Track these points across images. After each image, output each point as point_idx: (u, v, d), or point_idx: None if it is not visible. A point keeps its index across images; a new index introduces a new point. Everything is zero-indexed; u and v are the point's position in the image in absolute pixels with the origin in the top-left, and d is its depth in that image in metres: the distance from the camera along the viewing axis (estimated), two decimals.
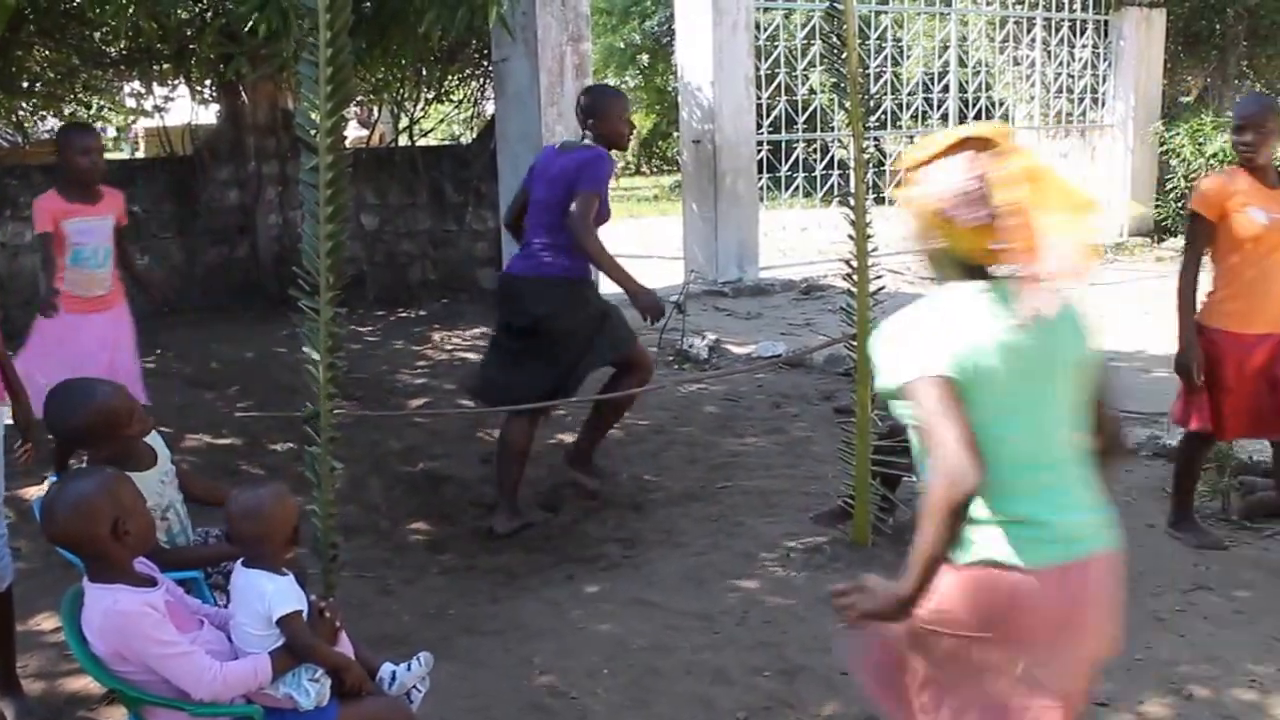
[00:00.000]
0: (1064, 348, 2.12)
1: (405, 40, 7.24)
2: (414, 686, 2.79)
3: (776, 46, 10.24)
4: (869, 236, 4.29)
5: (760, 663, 3.51)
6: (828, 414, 6.23)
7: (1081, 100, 12.43)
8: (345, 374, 4.61)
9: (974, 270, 2.10)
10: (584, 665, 3.57)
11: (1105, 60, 12.42)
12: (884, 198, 11.40)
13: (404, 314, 9.24)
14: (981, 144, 2.09)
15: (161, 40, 8.50)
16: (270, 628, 2.54)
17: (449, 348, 8.04)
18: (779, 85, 10.30)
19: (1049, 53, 12.23)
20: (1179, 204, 12.08)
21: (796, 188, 10.98)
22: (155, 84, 10.00)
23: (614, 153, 4.82)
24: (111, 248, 4.98)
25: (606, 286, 5.00)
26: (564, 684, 3.47)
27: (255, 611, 2.55)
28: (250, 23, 5.71)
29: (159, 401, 6.42)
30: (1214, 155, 11.21)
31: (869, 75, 10.88)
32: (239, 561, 2.65)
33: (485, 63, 9.97)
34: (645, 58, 21.81)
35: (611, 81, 19.36)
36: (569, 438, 5.78)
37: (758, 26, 10.11)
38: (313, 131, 3.07)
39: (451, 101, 11.42)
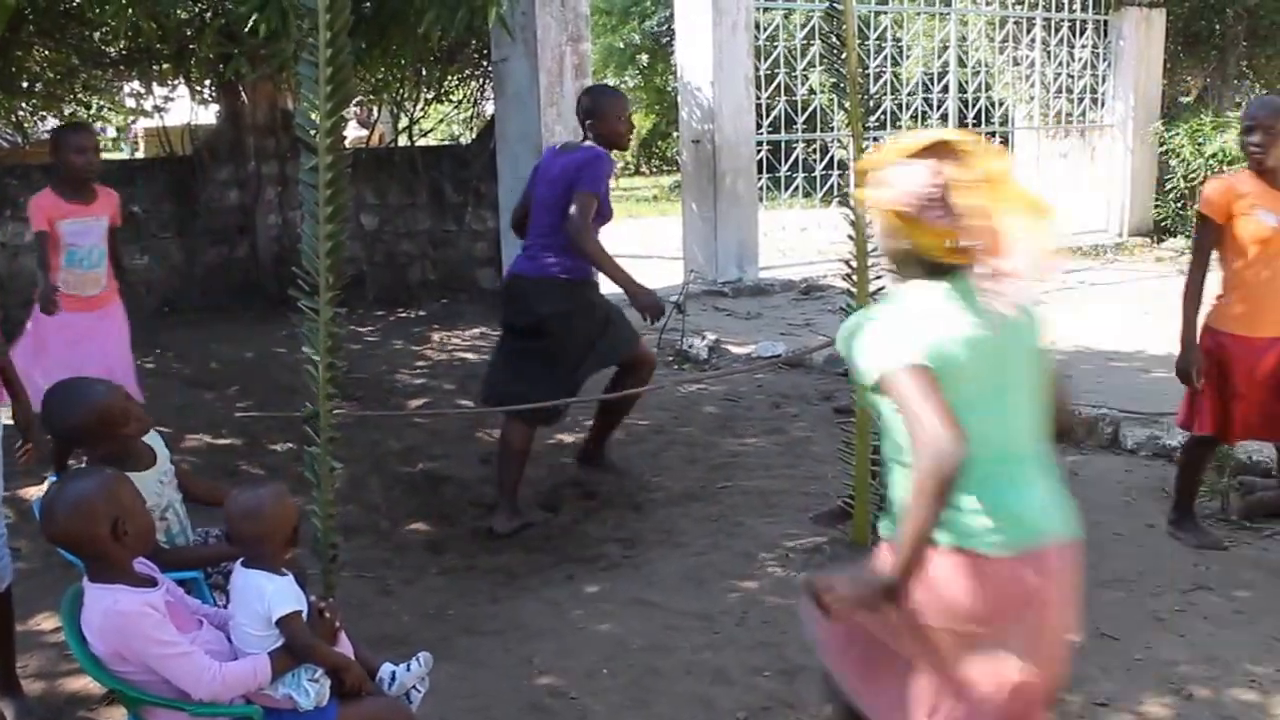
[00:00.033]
0: (1024, 344, 2.23)
1: (405, 40, 7.24)
2: (413, 687, 2.79)
3: (776, 46, 10.24)
4: (869, 237, 4.29)
5: (760, 663, 3.51)
6: (827, 414, 6.23)
7: (1081, 100, 12.44)
8: (345, 374, 4.60)
9: (935, 269, 2.18)
10: (584, 665, 3.57)
11: (1105, 60, 12.42)
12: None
13: (403, 314, 9.24)
14: (943, 148, 2.17)
15: (161, 40, 8.50)
16: (270, 628, 2.53)
17: (448, 348, 8.04)
18: (779, 85, 10.30)
19: (1048, 53, 12.24)
20: (1178, 204, 12.09)
21: (796, 188, 10.98)
22: (155, 84, 10.01)
23: (615, 152, 4.83)
24: (106, 248, 4.99)
25: (607, 286, 5.00)
26: (564, 684, 3.47)
27: (255, 612, 2.55)
28: (250, 23, 5.71)
29: (159, 402, 6.43)
30: (1213, 155, 11.22)
31: (868, 75, 10.88)
32: (238, 562, 2.65)
33: (485, 63, 9.97)
34: (645, 58, 21.82)
35: (611, 81, 19.37)
36: (568, 438, 5.79)
37: (757, 26, 10.11)
38: (312, 131, 3.07)
39: (451, 102, 11.42)
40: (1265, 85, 12.44)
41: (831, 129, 11.97)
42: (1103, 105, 12.53)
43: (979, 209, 2.09)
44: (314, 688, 2.56)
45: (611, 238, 4.82)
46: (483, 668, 3.57)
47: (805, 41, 10.33)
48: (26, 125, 10.49)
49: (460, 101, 11.34)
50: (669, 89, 18.69)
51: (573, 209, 4.46)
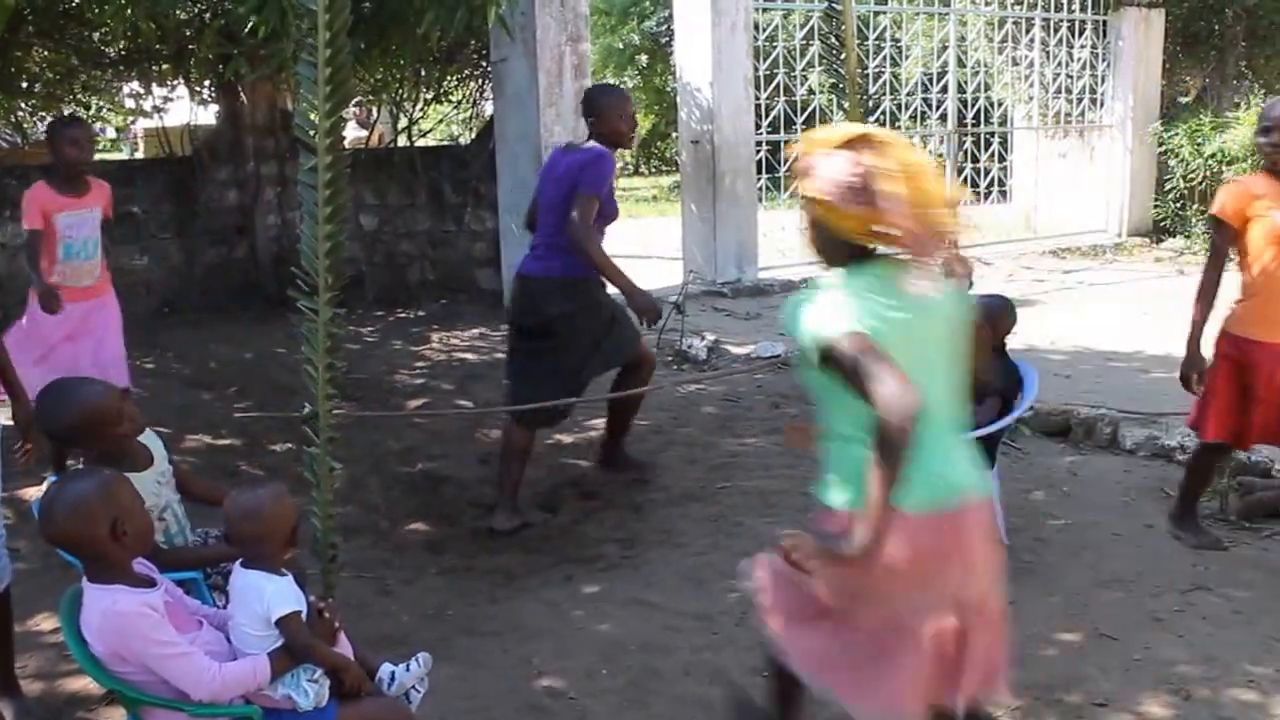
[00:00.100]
0: (941, 320, 2.42)
1: (404, 41, 7.25)
2: (413, 687, 2.79)
3: (775, 47, 10.24)
4: None
5: (760, 663, 3.50)
6: None
7: (1080, 100, 12.44)
8: (344, 374, 4.61)
9: (858, 254, 2.38)
10: (583, 666, 3.58)
11: (1104, 60, 12.42)
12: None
13: (403, 314, 9.25)
14: (863, 140, 2.34)
15: (160, 41, 8.50)
16: (269, 628, 2.54)
17: (448, 348, 8.04)
18: (778, 85, 10.30)
19: (1048, 53, 12.23)
20: (1178, 204, 12.09)
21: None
22: (154, 84, 10.01)
23: (619, 151, 4.84)
24: (99, 238, 5.11)
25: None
26: (563, 685, 3.47)
27: (254, 612, 2.55)
28: (249, 23, 5.71)
29: (158, 402, 6.44)
30: (1212, 155, 11.22)
31: (867, 75, 10.88)
32: (238, 562, 2.65)
33: (484, 63, 9.98)
34: (644, 58, 21.83)
35: (610, 82, 19.35)
36: (568, 438, 5.79)
37: (756, 27, 10.10)
38: (311, 132, 3.07)
39: (450, 102, 11.42)
40: (1264, 85, 12.43)
41: None
42: (1102, 105, 12.53)
43: (896, 197, 2.25)
44: (313, 688, 2.56)
45: (611, 238, 4.83)
46: (482, 668, 3.57)
47: (804, 42, 10.33)
48: (26, 126, 10.49)
49: (459, 102, 11.34)
50: (668, 89, 18.70)
51: (573, 211, 4.49)
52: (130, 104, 10.83)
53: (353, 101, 10.17)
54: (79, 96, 9.97)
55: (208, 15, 8.01)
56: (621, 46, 21.61)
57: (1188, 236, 11.90)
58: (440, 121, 12.88)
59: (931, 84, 11.73)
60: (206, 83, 9.60)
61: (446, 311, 9.28)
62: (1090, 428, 5.72)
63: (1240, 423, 4.24)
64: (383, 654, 2.88)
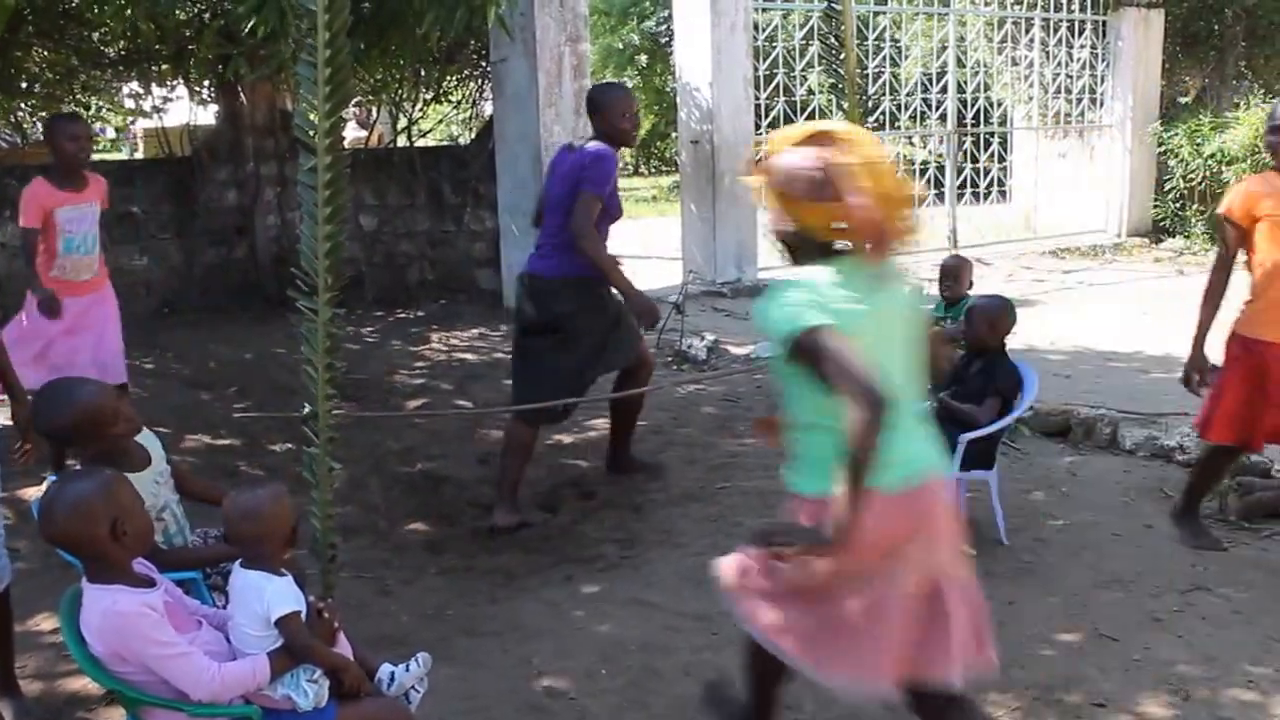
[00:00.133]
0: (901, 311, 2.51)
1: (404, 41, 7.25)
2: (412, 687, 2.79)
3: (775, 47, 10.24)
4: None
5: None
6: None
7: (1080, 101, 12.44)
8: (344, 375, 4.61)
9: (821, 248, 2.43)
10: (583, 666, 3.58)
11: (1103, 61, 12.42)
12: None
13: (402, 314, 9.25)
14: (825, 136, 2.40)
15: (160, 41, 8.51)
16: (269, 628, 2.54)
17: (447, 348, 8.04)
18: (777, 86, 10.30)
19: (1047, 53, 12.24)
20: (1177, 204, 12.09)
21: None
22: (154, 85, 10.02)
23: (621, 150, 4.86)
24: (97, 233, 5.17)
25: None
26: (562, 685, 3.47)
27: (254, 612, 2.55)
28: (248, 23, 5.71)
29: (158, 402, 6.44)
30: (1212, 155, 11.22)
31: (867, 76, 10.88)
32: (237, 562, 2.65)
33: (483, 63, 9.98)
34: (644, 58, 21.83)
35: (613, 81, 19.35)
36: (568, 438, 5.80)
37: (756, 27, 10.11)
38: (311, 132, 3.07)
39: (450, 102, 11.42)
40: (1264, 86, 12.43)
41: None
42: (1101, 105, 12.53)
43: (859, 192, 2.31)
44: (313, 688, 2.56)
45: (612, 238, 4.84)
46: (481, 668, 3.57)
47: (804, 42, 10.33)
48: (26, 126, 10.49)
49: (459, 102, 11.35)
50: (668, 89, 18.70)
51: (575, 211, 4.52)
52: (130, 104, 10.84)
53: (352, 102, 10.17)
54: (79, 96, 9.97)
55: (207, 16, 8.02)
56: (621, 47, 21.62)
57: (1187, 237, 11.91)
58: (440, 122, 12.89)
59: (931, 84, 11.74)
60: (206, 83, 9.61)
61: (446, 312, 9.29)
62: (1090, 428, 5.72)
63: (1250, 425, 4.19)
64: (382, 654, 2.88)
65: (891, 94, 11.27)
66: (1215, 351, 4.29)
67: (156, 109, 10.25)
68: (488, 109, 10.27)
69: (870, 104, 11.02)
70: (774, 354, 2.43)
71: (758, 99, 10.00)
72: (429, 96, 10.67)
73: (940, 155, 12.28)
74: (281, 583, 2.59)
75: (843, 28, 4.26)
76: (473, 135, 10.52)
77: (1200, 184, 11.61)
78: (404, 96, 10.16)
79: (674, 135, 14.25)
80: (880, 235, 2.35)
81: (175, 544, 3.12)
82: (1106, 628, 3.76)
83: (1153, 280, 10.14)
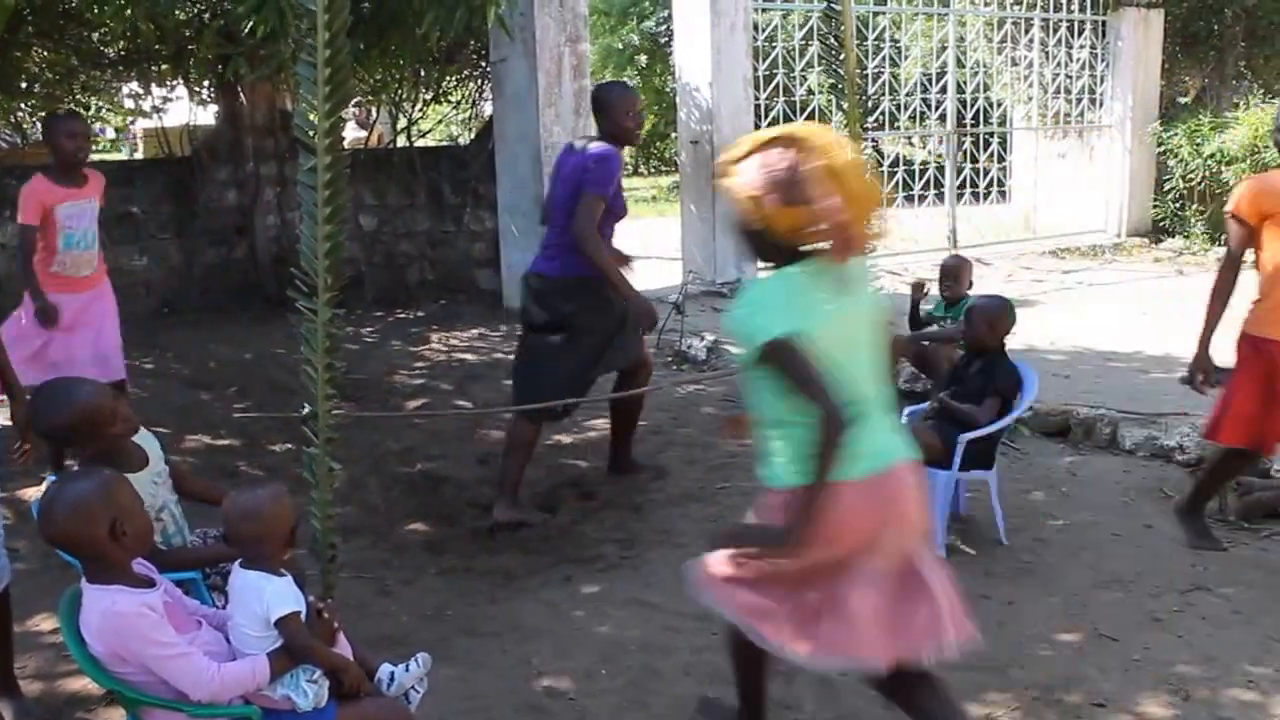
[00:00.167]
0: (865, 309, 2.59)
1: (403, 41, 7.25)
2: (412, 687, 2.79)
3: (774, 47, 10.24)
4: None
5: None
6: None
7: (1079, 101, 12.44)
8: (343, 375, 4.62)
9: (788, 250, 2.48)
10: (582, 666, 3.58)
11: (1103, 61, 12.42)
12: (882, 199, 11.40)
13: (402, 315, 9.25)
14: (792, 139, 2.42)
15: (160, 41, 8.51)
16: (268, 629, 2.53)
17: (447, 348, 8.05)
18: (777, 86, 10.30)
19: (1047, 53, 12.24)
20: (1177, 204, 12.09)
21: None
22: (153, 85, 10.02)
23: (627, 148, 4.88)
24: (96, 229, 5.19)
25: None
26: (562, 685, 3.47)
27: (253, 612, 2.55)
28: (248, 23, 5.71)
29: (158, 402, 6.44)
30: (1212, 156, 11.22)
31: (867, 76, 10.88)
32: (237, 562, 2.65)
33: (483, 63, 9.98)
34: (643, 58, 21.82)
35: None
36: (567, 439, 5.80)
37: (756, 27, 10.10)
38: (311, 132, 3.07)
39: (450, 102, 11.43)
40: (1263, 86, 12.44)
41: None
42: (1101, 106, 12.53)
43: (825, 193, 2.36)
44: (312, 689, 2.56)
45: (616, 237, 4.85)
46: (481, 668, 3.57)
47: (803, 42, 10.33)
48: (25, 126, 10.49)
49: (459, 102, 11.35)
50: (667, 90, 18.69)
51: (577, 212, 4.54)
52: (129, 104, 10.84)
53: (352, 102, 10.18)
54: (78, 97, 9.98)
55: (207, 16, 8.02)
56: (621, 47, 21.60)
57: (1187, 237, 11.91)
58: (439, 122, 12.89)
59: (931, 84, 11.74)
60: (206, 83, 9.61)
61: (446, 312, 9.29)
62: (1089, 428, 5.72)
63: (1261, 427, 4.12)
64: (382, 654, 2.88)
65: (891, 94, 11.27)
66: (1219, 353, 4.26)
67: (156, 109, 10.25)
68: (487, 109, 10.28)
69: (870, 104, 11.02)
70: (742, 357, 2.48)
71: (757, 99, 10.00)
72: (429, 96, 10.68)
73: (940, 155, 12.28)
74: (281, 583, 2.58)
75: (842, 28, 4.26)
76: (472, 135, 10.52)
77: (1200, 184, 11.61)
78: (404, 96, 10.17)
79: (674, 135, 14.25)
80: (848, 238, 2.41)
81: (174, 544, 3.12)
82: (1106, 628, 3.76)
83: (1152, 280, 10.14)
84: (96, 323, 5.20)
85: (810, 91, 11.16)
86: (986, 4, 12.20)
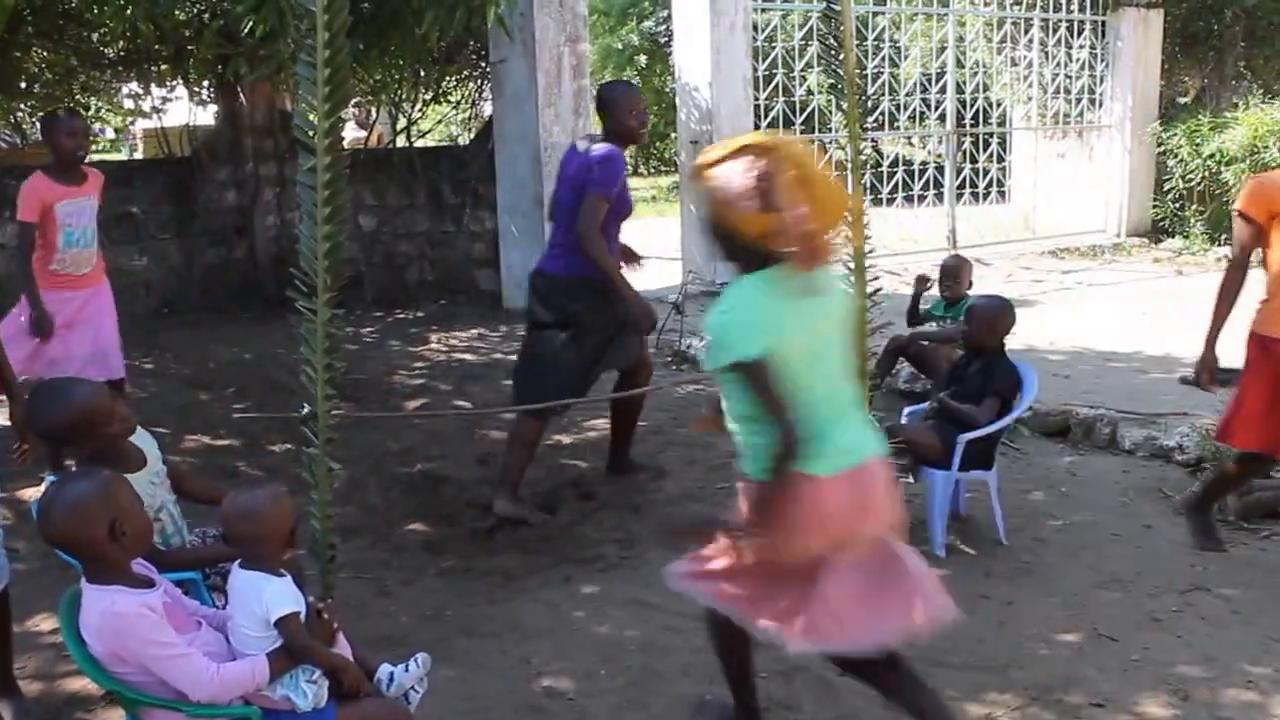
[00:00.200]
0: (833, 312, 2.69)
1: (403, 41, 7.25)
2: (412, 688, 2.79)
3: (774, 47, 10.24)
4: (866, 238, 4.29)
5: (758, 664, 3.50)
6: None
7: (1079, 101, 12.44)
8: (343, 375, 4.61)
9: (759, 255, 2.54)
10: (582, 666, 3.58)
11: (1103, 61, 12.42)
12: (881, 199, 11.41)
13: (401, 315, 9.25)
14: (762, 147, 2.50)
15: (159, 41, 8.51)
16: (268, 629, 2.53)
17: (446, 349, 8.05)
18: (777, 86, 10.30)
19: (1046, 53, 12.24)
20: (1176, 205, 12.09)
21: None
22: (153, 85, 10.03)
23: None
24: (95, 227, 5.22)
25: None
26: (562, 685, 3.47)
27: (253, 613, 2.55)
28: (247, 23, 5.71)
29: (157, 403, 6.45)
30: (1211, 156, 11.22)
31: (866, 76, 10.88)
32: (236, 563, 2.65)
33: (483, 64, 9.98)
34: (643, 59, 21.81)
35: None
36: (567, 439, 5.80)
37: (755, 27, 10.11)
38: (310, 132, 3.07)
39: (449, 102, 11.43)
40: (1263, 86, 12.43)
41: (830, 130, 11.97)
42: (1100, 106, 12.53)
43: (793, 202, 2.43)
44: (312, 689, 2.56)
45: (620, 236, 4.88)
46: (481, 669, 3.57)
47: (803, 42, 10.33)
48: (25, 126, 10.50)
49: (458, 102, 11.35)
50: (667, 90, 18.69)
51: (580, 213, 4.59)
52: (129, 104, 10.86)
53: (351, 102, 10.18)
54: (78, 97, 9.98)
55: (206, 16, 8.02)
56: (620, 47, 21.60)
57: (1186, 237, 11.91)
58: (439, 122, 12.89)
59: (930, 84, 11.74)
60: (205, 83, 9.61)
61: (445, 312, 9.29)
62: (1089, 428, 5.72)
63: (1273, 429, 4.06)
64: (381, 655, 2.88)
65: (891, 94, 11.27)
66: (1226, 354, 4.21)
67: (156, 109, 10.25)
68: (487, 109, 10.28)
69: (869, 104, 11.02)
70: (711, 362, 2.58)
71: (757, 99, 10.00)
72: (428, 97, 10.68)
73: (939, 155, 12.28)
74: (281, 583, 2.58)
75: (842, 28, 4.25)
76: (472, 136, 10.53)
77: (1199, 184, 11.61)
78: (403, 97, 10.17)
79: (673, 135, 14.25)
80: (814, 247, 2.49)
81: (173, 544, 3.12)
82: (1106, 628, 3.76)
83: (1152, 280, 10.14)
84: (95, 320, 5.22)
85: (810, 92, 11.16)
86: (986, 4, 12.20)
